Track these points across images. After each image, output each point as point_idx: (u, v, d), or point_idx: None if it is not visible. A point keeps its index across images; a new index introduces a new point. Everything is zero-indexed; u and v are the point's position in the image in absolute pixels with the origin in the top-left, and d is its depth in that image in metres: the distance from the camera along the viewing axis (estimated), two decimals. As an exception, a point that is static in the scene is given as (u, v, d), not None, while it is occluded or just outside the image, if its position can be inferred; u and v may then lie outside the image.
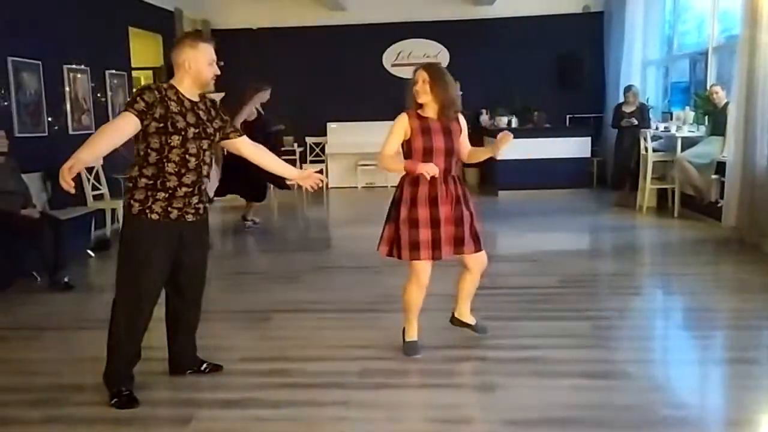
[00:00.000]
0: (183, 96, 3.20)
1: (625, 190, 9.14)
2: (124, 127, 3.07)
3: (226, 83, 12.34)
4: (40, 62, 6.89)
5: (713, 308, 4.58)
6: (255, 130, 7.39)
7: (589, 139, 10.55)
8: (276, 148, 7.69)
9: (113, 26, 8.46)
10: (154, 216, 3.18)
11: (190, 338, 3.59)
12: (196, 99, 3.25)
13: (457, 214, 3.60)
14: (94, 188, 7.64)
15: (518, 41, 11.56)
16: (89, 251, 6.79)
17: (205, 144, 3.26)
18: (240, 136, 3.47)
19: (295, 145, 12.06)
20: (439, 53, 11.99)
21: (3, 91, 6.37)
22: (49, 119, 7.07)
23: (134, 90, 3.31)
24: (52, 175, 6.81)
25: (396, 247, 3.64)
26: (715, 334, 4.11)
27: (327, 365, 3.73)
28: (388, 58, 12.09)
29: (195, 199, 3.30)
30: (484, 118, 11.53)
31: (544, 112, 11.23)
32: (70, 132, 7.50)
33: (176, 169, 3.17)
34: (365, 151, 11.29)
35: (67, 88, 7.42)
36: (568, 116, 11.77)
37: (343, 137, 11.98)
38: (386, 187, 10.74)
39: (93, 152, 2.97)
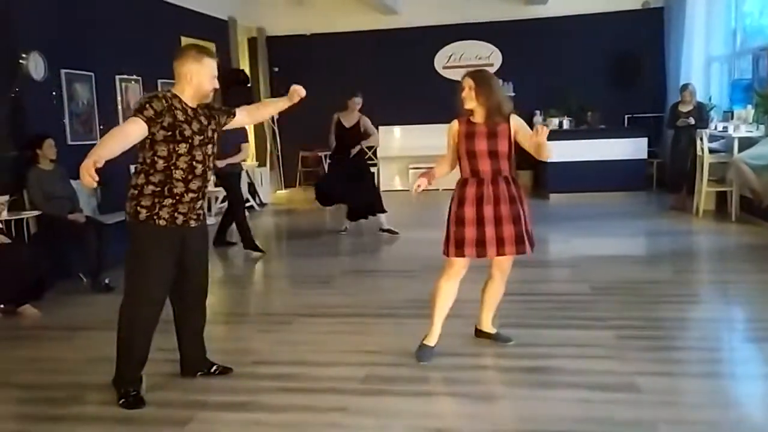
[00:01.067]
0: (186, 105, 3.30)
1: (682, 193, 8.76)
2: (133, 131, 3.15)
3: (280, 89, 12.71)
4: (92, 74, 7.21)
5: (755, 318, 4.34)
6: (354, 138, 7.85)
7: (646, 139, 10.17)
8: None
9: (165, 36, 8.74)
10: (162, 222, 3.27)
11: (197, 341, 3.68)
12: (194, 106, 3.35)
13: (506, 213, 3.62)
14: (146, 193, 7.91)
15: (573, 40, 11.28)
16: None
17: (209, 149, 3.38)
18: (233, 114, 3.58)
19: (348, 148, 12.12)
20: (491, 54, 11.85)
21: (56, 103, 6.70)
22: (101, 127, 7.37)
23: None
24: (102, 182, 7.15)
25: (444, 244, 3.71)
26: (747, 347, 3.89)
27: (334, 370, 3.75)
28: (440, 60, 12.03)
29: (199, 204, 3.41)
30: (538, 119, 11.28)
31: (600, 112, 10.91)
32: (122, 139, 7.79)
33: (183, 176, 3.26)
34: (417, 154, 11.28)
35: (119, 98, 7.73)
36: (626, 116, 11.39)
37: (395, 140, 12.00)
38: (437, 190, 10.67)
39: (110, 151, 3.04)
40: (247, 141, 7.32)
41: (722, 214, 8.09)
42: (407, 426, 3.05)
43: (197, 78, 3.26)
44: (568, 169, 10.07)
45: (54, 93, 6.64)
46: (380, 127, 12.00)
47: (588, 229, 7.88)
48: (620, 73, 11.32)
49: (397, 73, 11.87)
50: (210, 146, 3.38)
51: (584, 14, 11.32)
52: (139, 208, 3.26)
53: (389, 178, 12.02)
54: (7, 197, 5.66)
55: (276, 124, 12.21)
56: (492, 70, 11.73)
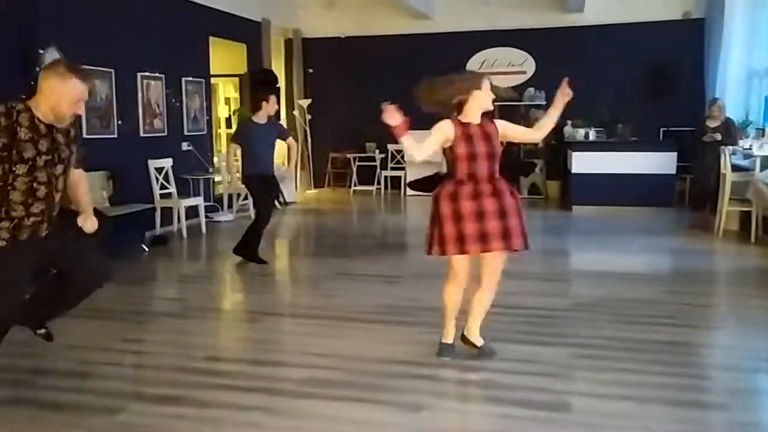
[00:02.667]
0: (38, 120, 3.01)
1: (705, 211, 8.44)
2: None
3: (314, 90, 12.90)
4: (112, 70, 7.48)
5: (734, 346, 4.17)
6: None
7: (675, 154, 9.82)
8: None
9: (193, 36, 9.00)
10: (1, 243, 3.02)
11: (51, 304, 3.51)
12: (48, 123, 3.05)
13: (509, 205, 3.61)
14: (163, 187, 8.17)
15: (609, 49, 11.02)
16: (143, 246, 7.28)
17: (58, 169, 3.10)
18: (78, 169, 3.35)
19: (377, 152, 12.21)
20: (524, 61, 11.70)
21: (74, 96, 6.98)
22: (119, 123, 7.65)
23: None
24: (116, 174, 7.42)
25: (438, 244, 3.64)
26: (698, 374, 3.73)
27: (278, 370, 3.81)
28: (472, 66, 11.90)
29: (44, 227, 3.15)
30: (568, 129, 11.06)
31: (633, 124, 10.61)
32: (141, 134, 8.07)
33: (23, 199, 3.01)
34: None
35: (139, 95, 7.99)
36: (661, 129, 11.04)
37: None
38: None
39: None
40: (291, 135, 7.18)
41: (745, 234, 7.74)
42: (321, 429, 3.07)
43: (56, 98, 2.99)
44: (593, 181, 9.87)
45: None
46: (411, 132, 12.02)
47: (599, 244, 7.70)
48: (657, 84, 10.99)
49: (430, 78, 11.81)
50: (60, 167, 3.10)
51: (622, 23, 11.05)
52: None
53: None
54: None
55: (308, 125, 12.37)
56: (525, 77, 11.70)
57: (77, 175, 3.38)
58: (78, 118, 6.86)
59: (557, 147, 10.98)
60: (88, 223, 3.38)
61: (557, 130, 11.08)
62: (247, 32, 10.45)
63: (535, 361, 3.88)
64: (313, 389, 3.51)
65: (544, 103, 11.41)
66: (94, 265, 3.42)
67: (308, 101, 12.30)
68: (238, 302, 5.70)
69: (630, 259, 6.88)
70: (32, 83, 6.29)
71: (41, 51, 6.45)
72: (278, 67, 11.89)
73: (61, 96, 3.00)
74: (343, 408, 3.29)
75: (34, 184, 3.02)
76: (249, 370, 3.81)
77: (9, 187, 2.97)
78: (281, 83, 12.05)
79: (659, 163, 9.81)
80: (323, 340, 4.36)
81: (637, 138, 10.40)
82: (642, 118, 10.68)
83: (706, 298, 5.24)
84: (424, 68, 11.90)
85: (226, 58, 10.53)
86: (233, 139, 6.80)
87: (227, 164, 8.12)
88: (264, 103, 6.45)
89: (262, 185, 6.44)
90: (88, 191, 3.52)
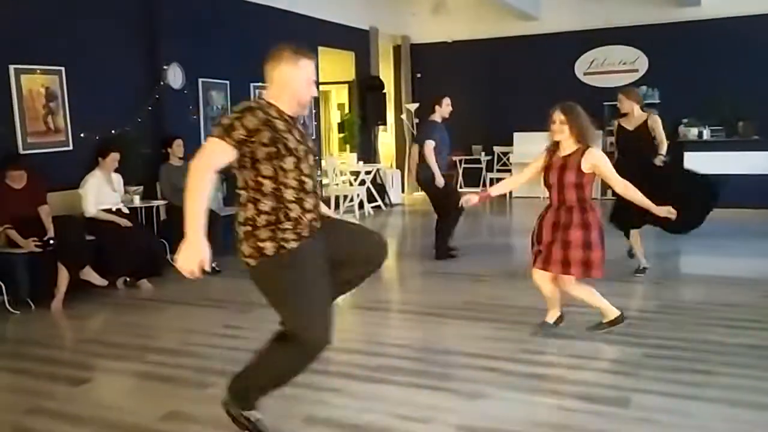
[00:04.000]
0: (284, 114, 2.76)
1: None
2: (217, 162, 2.67)
3: (422, 94, 13.14)
4: (227, 82, 8.14)
5: None
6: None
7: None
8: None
9: (302, 46, 9.52)
10: (293, 244, 2.72)
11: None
12: (291, 115, 2.82)
13: (555, 238, 4.08)
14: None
15: (729, 44, 10.48)
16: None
17: (311, 160, 2.82)
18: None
19: (483, 153, 12.29)
20: (636, 59, 11.35)
21: (193, 107, 7.67)
22: (235, 130, 8.28)
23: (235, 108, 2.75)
24: (230, 177, 8.04)
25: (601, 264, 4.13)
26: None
27: (354, 357, 4.10)
28: (581, 66, 11.75)
29: (318, 222, 2.83)
30: (682, 128, 10.63)
31: (759, 122, 10.03)
32: (254, 140, 8.68)
33: (296, 196, 2.72)
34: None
35: (253, 103, 8.60)
36: (789, 127, 10.35)
37: (530, 146, 11.86)
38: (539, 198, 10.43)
39: (199, 217, 2.69)
40: None
41: None
42: (383, 410, 3.31)
43: (293, 83, 2.76)
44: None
45: (190, 99, 7.58)
46: (515, 133, 12.04)
47: (708, 247, 7.40)
48: (784, 79, 10.33)
49: (537, 79, 11.76)
50: (311, 157, 2.83)
51: (744, 16, 10.46)
52: (260, 244, 2.71)
53: (523, 184, 11.92)
54: (140, 187, 6.65)
55: (415, 128, 12.67)
56: (637, 76, 11.36)
57: None
58: (198, 126, 7.66)
59: (672, 147, 10.54)
60: None
61: (672, 129, 10.72)
62: (355, 40, 10.90)
63: (604, 359, 3.94)
64: (383, 375, 3.77)
65: (657, 101, 11.05)
66: (373, 238, 3.09)
67: (416, 105, 12.59)
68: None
69: (736, 263, 6.61)
70: (157, 97, 7.10)
71: (165, 67, 7.17)
72: (387, 73, 12.29)
73: (296, 80, 2.77)
74: (408, 392, 3.52)
75: (302, 177, 2.74)
76: (329, 356, 4.10)
77: (282, 186, 2.70)
78: (389, 88, 12.45)
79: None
80: (401, 332, 4.62)
81: (761, 137, 9.83)
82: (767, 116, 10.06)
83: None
84: (531, 70, 12.08)
85: (336, 66, 11.04)
86: (417, 139, 7.06)
87: (408, 164, 8.47)
88: (437, 106, 6.91)
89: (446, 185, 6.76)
90: None
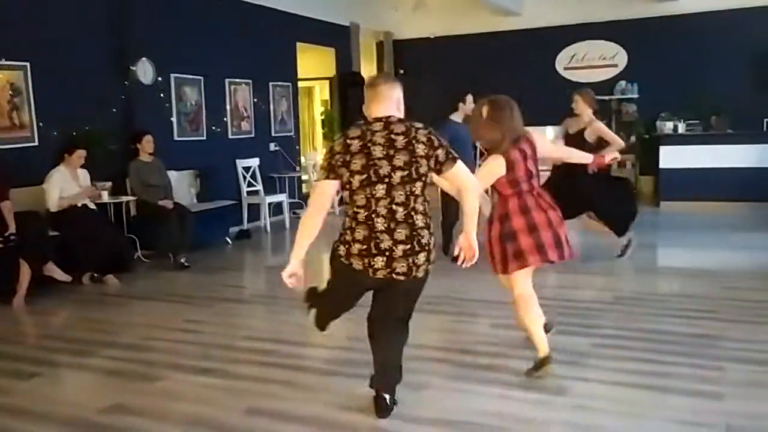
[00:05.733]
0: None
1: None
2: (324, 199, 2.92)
3: (405, 91, 13.09)
4: (201, 77, 8.14)
5: (742, 339, 4.01)
6: None
7: (770, 146, 9.25)
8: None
9: (281, 43, 9.53)
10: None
11: None
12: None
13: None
14: (250, 185, 8.75)
15: (708, 39, 10.48)
16: (227, 239, 7.87)
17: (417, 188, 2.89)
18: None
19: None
20: (616, 54, 11.36)
21: (166, 104, 7.67)
22: (213, 126, 8.30)
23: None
24: (204, 173, 8.06)
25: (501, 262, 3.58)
26: (710, 365, 3.62)
27: (306, 350, 4.15)
28: (561, 61, 11.76)
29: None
30: (660, 122, 10.65)
31: (734, 116, 10.05)
32: (230, 136, 8.69)
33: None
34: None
35: (227, 99, 8.62)
36: (765, 120, 10.38)
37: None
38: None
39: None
40: None
41: None
42: (326, 401, 3.34)
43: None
44: (683, 176, 9.50)
45: (162, 95, 7.58)
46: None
47: (677, 240, 7.47)
48: (762, 74, 10.34)
49: (518, 74, 11.75)
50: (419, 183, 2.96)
51: (722, 10, 10.47)
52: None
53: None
54: (109, 183, 6.66)
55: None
56: (616, 71, 11.38)
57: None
58: (170, 121, 7.67)
59: (650, 142, 10.60)
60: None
61: (650, 124, 10.75)
62: (336, 36, 10.88)
63: (553, 349, 3.94)
64: (334, 367, 3.81)
65: (636, 96, 11.08)
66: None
67: (399, 103, 12.59)
68: (292, 291, 6.00)
69: (702, 255, 6.65)
70: (126, 92, 7.09)
71: (132, 68, 7.16)
72: (370, 69, 12.27)
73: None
74: (356, 385, 3.50)
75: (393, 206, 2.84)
76: (282, 349, 4.14)
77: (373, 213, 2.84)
78: (372, 85, 12.44)
79: (758, 156, 9.27)
80: (358, 325, 4.62)
81: (735, 130, 9.86)
82: (744, 110, 10.08)
83: (758, 294, 4.99)
84: (513, 65, 12.04)
85: (317, 62, 11.06)
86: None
87: None
88: (461, 104, 6.77)
89: None
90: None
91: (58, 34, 6.45)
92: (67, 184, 6.05)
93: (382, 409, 3.13)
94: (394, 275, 2.86)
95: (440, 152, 2.87)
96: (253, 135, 9.12)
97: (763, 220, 8.36)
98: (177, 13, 7.75)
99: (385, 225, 2.80)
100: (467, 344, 4.11)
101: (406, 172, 2.82)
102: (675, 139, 9.81)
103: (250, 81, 9.00)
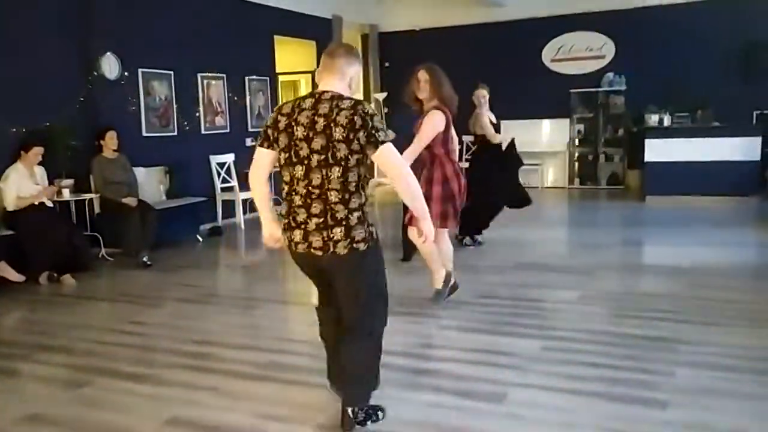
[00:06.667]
0: None
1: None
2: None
3: (390, 84, 12.95)
4: (171, 72, 7.96)
5: (699, 341, 3.81)
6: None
7: (760, 139, 9.01)
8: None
9: (256, 36, 9.35)
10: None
11: None
12: None
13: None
14: (225, 181, 8.59)
15: (695, 29, 10.26)
16: (198, 236, 7.70)
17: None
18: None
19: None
20: (603, 46, 11.16)
21: (133, 99, 7.50)
22: (184, 122, 8.12)
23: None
24: (174, 169, 7.89)
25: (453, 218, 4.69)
26: (660, 370, 3.43)
27: (246, 354, 3.95)
28: (548, 53, 11.54)
29: None
30: (649, 115, 10.42)
31: (721, 109, 9.82)
32: (203, 132, 8.52)
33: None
34: (524, 150, 10.91)
35: (200, 94, 8.43)
36: (755, 113, 10.15)
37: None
38: (537, 188, 10.25)
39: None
40: None
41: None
42: (251, 409, 3.17)
43: (356, 81, 2.88)
44: (669, 169, 9.29)
45: (128, 90, 7.40)
46: (482, 123, 11.82)
47: (657, 236, 7.27)
48: (750, 65, 10.11)
49: (505, 67, 11.55)
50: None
51: (710, 0, 10.26)
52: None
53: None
54: (71, 180, 6.50)
55: (384, 118, 12.49)
56: (604, 62, 11.16)
57: None
58: (138, 117, 7.49)
59: (638, 135, 10.38)
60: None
61: (638, 117, 10.52)
62: (316, 29, 10.68)
63: (500, 352, 3.78)
64: (269, 372, 3.63)
65: (624, 88, 10.85)
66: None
67: (384, 94, 12.41)
68: (249, 290, 5.83)
69: (675, 252, 6.42)
70: (90, 87, 6.93)
71: (97, 62, 6.98)
72: (354, 63, 12.07)
73: (358, 80, 2.91)
74: (285, 391, 3.36)
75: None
76: (221, 353, 3.97)
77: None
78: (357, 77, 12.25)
79: (744, 149, 9.05)
80: (306, 327, 4.45)
81: (722, 123, 9.63)
82: (732, 102, 9.85)
83: (728, 293, 4.79)
84: (499, 57, 11.81)
85: (300, 56, 10.88)
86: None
87: None
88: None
89: None
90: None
91: (19, 28, 6.29)
92: (23, 183, 5.91)
93: (344, 423, 2.89)
94: (312, 250, 2.75)
95: (361, 135, 2.64)
96: (228, 130, 8.95)
97: (746, 215, 8.16)
98: (145, 5, 7.56)
99: (302, 201, 2.74)
100: (412, 347, 3.93)
101: (322, 156, 2.67)
102: (661, 132, 9.59)
103: (224, 75, 8.82)
